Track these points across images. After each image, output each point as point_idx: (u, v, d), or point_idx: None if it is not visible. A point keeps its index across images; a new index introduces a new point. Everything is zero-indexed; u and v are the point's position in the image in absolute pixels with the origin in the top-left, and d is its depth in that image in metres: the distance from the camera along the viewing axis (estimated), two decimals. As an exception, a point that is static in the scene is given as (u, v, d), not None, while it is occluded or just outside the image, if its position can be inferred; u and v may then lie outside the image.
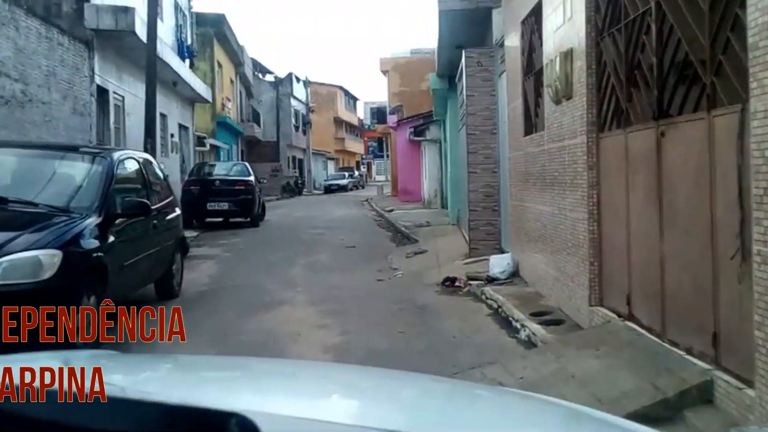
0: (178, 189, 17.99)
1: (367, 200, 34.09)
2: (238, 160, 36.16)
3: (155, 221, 7.73)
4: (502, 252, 10.08)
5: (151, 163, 8.60)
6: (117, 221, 6.65)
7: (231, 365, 1.59)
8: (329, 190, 48.82)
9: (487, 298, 7.71)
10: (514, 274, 8.49)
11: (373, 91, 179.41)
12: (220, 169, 19.08)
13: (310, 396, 1.01)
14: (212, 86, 29.12)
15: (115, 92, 14.62)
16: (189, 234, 16.52)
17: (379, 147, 75.22)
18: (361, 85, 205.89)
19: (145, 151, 13.26)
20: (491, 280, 8.41)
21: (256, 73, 46.23)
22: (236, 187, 17.80)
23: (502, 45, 9.60)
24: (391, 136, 35.83)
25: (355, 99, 69.99)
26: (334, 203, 32.25)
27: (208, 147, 24.79)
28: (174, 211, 8.84)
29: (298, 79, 48.80)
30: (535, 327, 5.96)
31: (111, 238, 6.49)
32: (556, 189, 6.35)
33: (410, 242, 13.91)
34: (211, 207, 17.56)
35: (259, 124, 39.70)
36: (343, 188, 49.77)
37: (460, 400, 1.37)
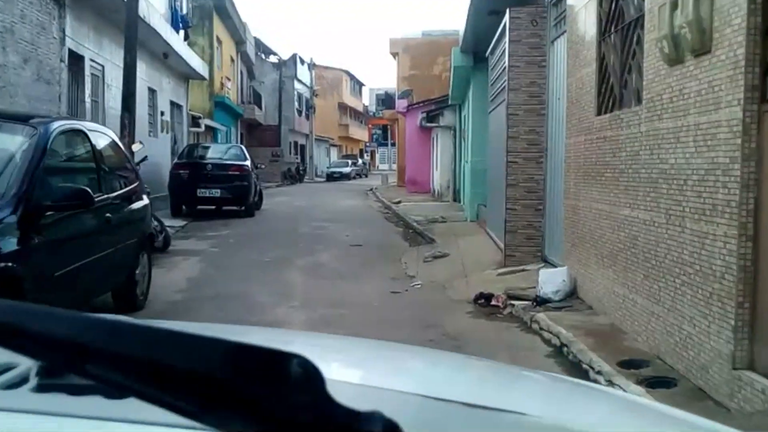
0: (167, 172, 16.10)
1: (371, 190, 32.17)
2: (237, 143, 34.27)
3: (109, 214, 5.84)
4: (545, 261, 8.19)
5: (110, 139, 6.67)
6: (47, 215, 4.79)
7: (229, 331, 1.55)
8: (331, 177, 46.86)
9: (541, 328, 5.81)
10: (571, 294, 6.60)
11: (379, 77, 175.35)
12: (214, 152, 17.12)
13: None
14: (210, 63, 27.15)
15: (93, 60, 12.67)
16: (176, 224, 14.67)
17: (384, 135, 73.32)
18: (367, 70, 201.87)
19: (122, 128, 11.38)
20: (541, 302, 6.52)
21: (259, 53, 44.18)
22: (230, 173, 15.88)
23: (556, 3, 7.68)
24: (398, 122, 33.86)
25: (361, 84, 67.89)
26: (336, 192, 30.34)
27: (203, 128, 22.84)
28: (139, 201, 6.94)
29: (302, 61, 46.71)
30: (633, 389, 4.07)
31: (35, 239, 4.63)
32: (663, 187, 4.44)
33: (426, 242, 12.01)
34: (201, 193, 15.65)
35: (260, 107, 37.69)
36: (345, 176, 47.81)
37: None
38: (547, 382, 1.39)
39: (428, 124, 21.48)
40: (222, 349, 0.47)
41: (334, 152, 59.94)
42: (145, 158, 10.62)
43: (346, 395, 0.46)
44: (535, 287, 7.04)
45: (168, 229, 12.47)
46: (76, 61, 11.99)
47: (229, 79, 31.17)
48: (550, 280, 6.73)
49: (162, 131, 18.24)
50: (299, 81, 45.60)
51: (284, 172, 38.92)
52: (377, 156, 75.36)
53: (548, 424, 0.95)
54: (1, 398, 0.84)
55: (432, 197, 24.16)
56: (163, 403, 0.48)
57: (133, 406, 0.58)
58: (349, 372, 1.16)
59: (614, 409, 1.18)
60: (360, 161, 56.63)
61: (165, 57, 17.26)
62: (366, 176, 54.08)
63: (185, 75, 20.90)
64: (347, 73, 61.20)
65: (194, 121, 22.42)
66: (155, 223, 10.03)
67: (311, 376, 0.45)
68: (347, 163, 50.83)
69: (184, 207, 16.21)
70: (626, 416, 1.15)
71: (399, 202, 21.26)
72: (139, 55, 15.95)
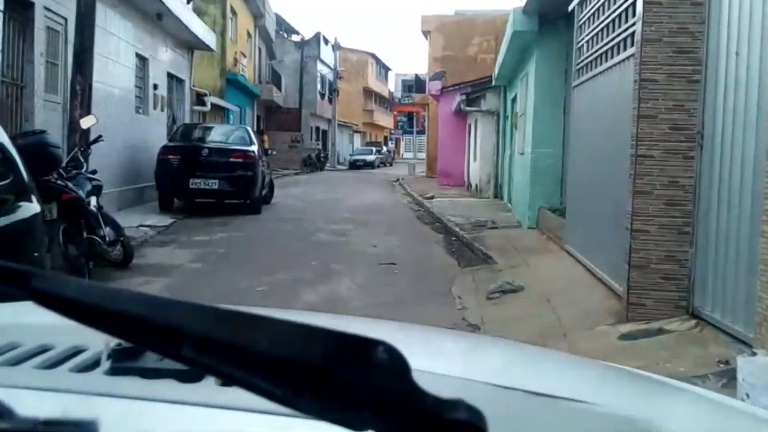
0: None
1: (398, 180, 29.04)
2: (251, 125, 31.30)
3: None
4: (696, 317, 5.04)
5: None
6: None
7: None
8: (354, 165, 43.75)
9: None
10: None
11: (405, 62, 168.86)
12: (215, 135, 14.02)
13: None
14: (222, 35, 24.14)
15: (47, 9, 9.62)
16: (160, 222, 11.68)
17: (410, 122, 70.09)
18: (393, 55, 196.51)
19: (73, 96, 8.35)
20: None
21: (280, 32, 41.11)
22: (231, 160, 12.83)
23: None
24: (429, 107, 30.63)
25: (387, 69, 64.53)
26: (360, 183, 27.24)
27: (209, 107, 19.76)
28: (16, 207, 3.89)
29: (326, 41, 43.51)
30: None
31: None
32: None
33: (480, 259, 8.88)
34: (195, 184, 12.63)
35: (280, 88, 34.57)
36: (369, 164, 44.65)
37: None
38: (613, 373, 1.30)
39: (468, 108, 18.26)
40: (314, 335, 0.46)
41: (357, 139, 56.76)
42: (99, 138, 7.58)
43: (422, 382, 0.45)
44: (703, 371, 4.00)
45: (139, 234, 9.49)
46: (21, 8, 8.97)
47: (244, 56, 28.13)
48: (762, 376, 3.58)
49: (155, 108, 15.23)
50: (322, 62, 42.44)
51: (304, 159, 35.89)
52: (402, 144, 72.05)
53: (616, 414, 0.92)
54: (74, 381, 0.83)
55: (468, 192, 20.97)
56: (256, 388, 0.48)
57: (206, 389, 0.63)
58: (416, 359, 0.82)
59: (680, 401, 1.13)
60: (384, 149, 53.31)
61: (159, 18, 14.21)
62: (391, 165, 50.89)
63: (188, 44, 17.85)
64: (373, 56, 57.91)
65: (199, 99, 19.39)
66: (108, 229, 7.02)
67: (397, 363, 0.45)
68: (371, 150, 47.57)
69: (176, 200, 13.22)
70: (694, 408, 1.09)
71: (432, 198, 18.11)
72: (126, 12, 12.92)
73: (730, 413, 1.11)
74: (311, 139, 41.07)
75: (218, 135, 13.96)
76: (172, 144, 13.10)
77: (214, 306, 0.51)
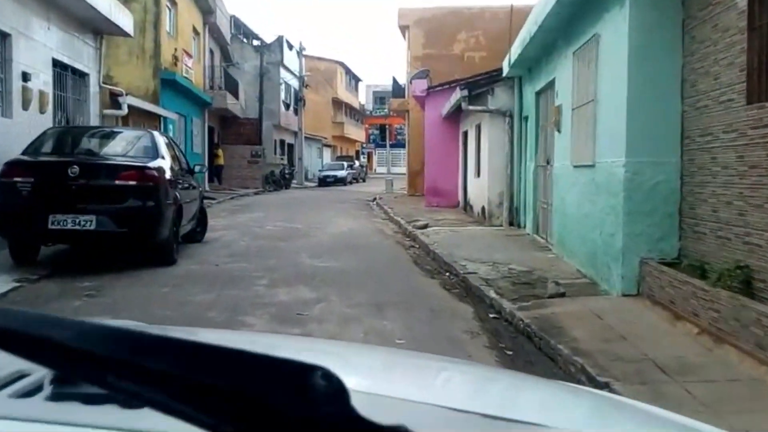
0: None
1: (374, 200, 24.17)
2: (204, 138, 26.15)
3: None
4: None
5: None
6: None
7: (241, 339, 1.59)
8: (324, 182, 38.77)
9: None
10: None
11: (375, 74, 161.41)
12: (96, 144, 8.85)
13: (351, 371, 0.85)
14: (156, 27, 19.12)
15: None
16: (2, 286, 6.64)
17: (382, 135, 65.45)
18: (362, 67, 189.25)
19: None
20: None
21: (238, 35, 36.07)
22: (119, 183, 7.77)
23: None
24: (409, 114, 25.79)
25: (357, 79, 59.69)
26: (330, 203, 22.26)
27: (125, 110, 14.60)
28: None
29: (290, 46, 38.50)
30: None
31: None
32: None
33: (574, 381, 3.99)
34: (56, 224, 7.54)
35: (236, 96, 29.43)
36: (341, 181, 39.69)
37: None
38: (570, 394, 1.30)
39: (471, 107, 13.43)
40: (245, 361, 0.44)
41: (327, 153, 51.73)
42: None
43: (365, 406, 0.43)
44: None
45: None
46: None
47: (189, 55, 23.09)
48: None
49: (25, 108, 10.14)
50: (286, 68, 37.41)
51: (266, 176, 30.80)
52: (375, 158, 67.14)
53: None
54: (15, 407, 0.82)
55: (468, 216, 16.15)
56: (185, 415, 0.45)
57: (147, 416, 0.61)
58: (367, 382, 1.03)
59: (638, 422, 1.11)
60: (357, 163, 48.20)
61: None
62: (364, 180, 46.00)
63: (92, 25, 12.79)
64: (342, 65, 53.10)
65: (113, 100, 14.29)
66: None
67: (335, 388, 0.43)
68: (342, 165, 42.52)
69: (25, 252, 8.14)
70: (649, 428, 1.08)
71: (425, 226, 13.24)
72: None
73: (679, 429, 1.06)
74: (275, 153, 35.98)
75: (103, 145, 8.83)
76: (22, 160, 7.96)
77: (144, 332, 0.47)
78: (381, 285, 7.63)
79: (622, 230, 6.28)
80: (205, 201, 18.88)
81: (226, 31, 30.04)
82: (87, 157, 8.17)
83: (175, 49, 20.95)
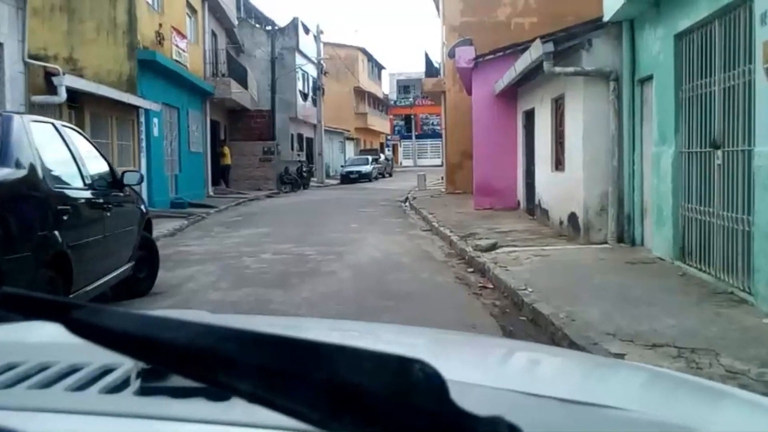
0: None
1: (407, 200, 19.86)
2: (205, 134, 21.98)
3: None
4: None
5: None
6: None
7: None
8: (348, 179, 34.52)
9: None
10: None
11: (397, 62, 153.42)
12: None
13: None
14: (128, -5, 14.94)
15: None
16: None
17: (407, 126, 61.03)
18: (383, 55, 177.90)
19: None
20: None
21: (249, 20, 31.87)
22: None
23: None
24: (446, 96, 21.34)
25: (380, 67, 55.23)
26: (354, 207, 17.93)
27: (63, 96, 10.32)
28: None
29: (306, 30, 34.19)
30: None
31: None
32: None
33: None
34: None
35: (245, 85, 25.19)
36: (365, 177, 35.39)
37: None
38: (647, 376, 1.21)
39: (559, 69, 8.93)
40: (346, 355, 0.45)
41: (350, 147, 47.41)
42: None
43: (454, 393, 0.43)
44: None
45: None
46: None
47: (182, 35, 18.88)
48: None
49: None
50: (302, 55, 33.11)
51: (280, 175, 26.57)
52: (400, 150, 62.69)
53: (650, 420, 0.84)
54: (107, 402, 0.79)
55: (537, 223, 11.72)
56: (288, 410, 0.46)
57: (237, 408, 0.58)
58: (450, 370, 0.84)
59: (720, 405, 1.03)
60: (382, 157, 43.69)
61: None
62: (390, 175, 41.59)
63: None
64: (364, 51, 48.68)
65: (47, 80, 10.08)
66: None
67: (434, 381, 0.43)
68: (367, 159, 38.10)
69: None
70: (736, 413, 1.00)
71: (492, 247, 8.87)
72: None
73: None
74: (291, 149, 31.79)
75: None
76: None
77: (251, 331, 0.48)
78: None
79: None
80: (192, 217, 14.57)
81: (231, 11, 25.83)
82: None
83: (160, 25, 16.74)
